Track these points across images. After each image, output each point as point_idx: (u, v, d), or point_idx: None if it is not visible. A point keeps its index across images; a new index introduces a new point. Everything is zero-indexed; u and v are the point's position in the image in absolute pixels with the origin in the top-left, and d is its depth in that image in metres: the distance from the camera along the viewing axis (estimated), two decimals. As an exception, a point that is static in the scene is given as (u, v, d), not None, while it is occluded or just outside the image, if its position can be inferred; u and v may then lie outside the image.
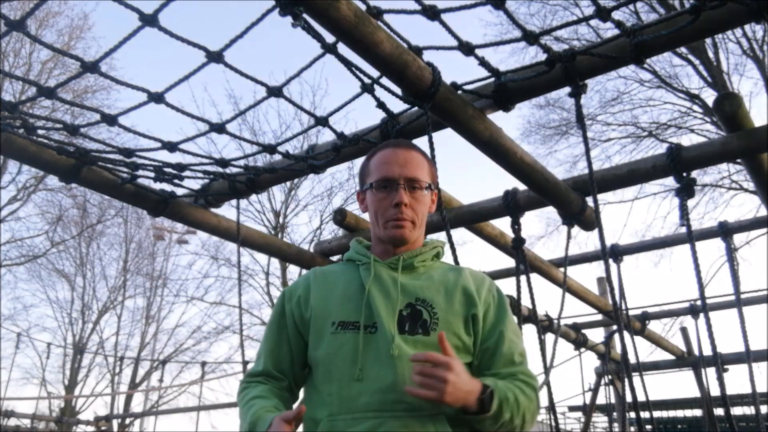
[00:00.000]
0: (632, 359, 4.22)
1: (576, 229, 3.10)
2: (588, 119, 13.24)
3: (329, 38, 1.82)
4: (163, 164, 2.56)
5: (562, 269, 3.71)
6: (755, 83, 15.17)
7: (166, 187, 2.81)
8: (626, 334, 3.45)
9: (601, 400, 6.65)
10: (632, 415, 5.84)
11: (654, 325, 6.49)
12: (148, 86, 2.00)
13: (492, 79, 2.26)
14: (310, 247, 12.04)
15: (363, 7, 1.76)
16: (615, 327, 4.84)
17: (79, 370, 19.49)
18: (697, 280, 2.59)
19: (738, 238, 10.87)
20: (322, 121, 2.37)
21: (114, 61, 15.67)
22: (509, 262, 4.73)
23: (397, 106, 2.31)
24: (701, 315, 3.43)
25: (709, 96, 12.22)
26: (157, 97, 2.02)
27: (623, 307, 3.91)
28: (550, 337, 4.65)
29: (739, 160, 2.82)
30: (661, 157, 2.65)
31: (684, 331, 6.78)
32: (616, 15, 1.92)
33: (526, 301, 3.13)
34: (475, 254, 25.88)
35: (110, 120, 2.15)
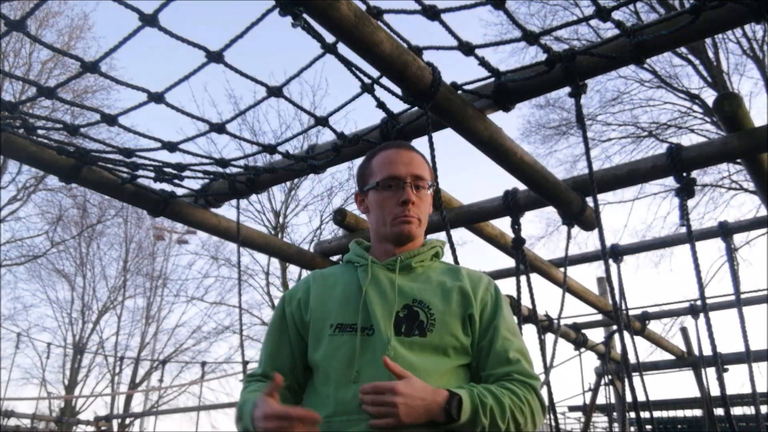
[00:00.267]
0: (632, 359, 4.23)
1: (576, 229, 3.11)
2: (588, 119, 13.24)
3: (329, 38, 1.82)
4: (163, 164, 2.56)
5: (562, 269, 3.71)
6: (755, 83, 15.23)
7: (166, 187, 2.81)
8: (626, 334, 3.45)
9: (601, 400, 6.66)
10: (632, 415, 5.83)
11: (654, 325, 6.50)
12: (147, 86, 2.01)
13: (492, 79, 2.26)
14: (310, 247, 12.04)
15: (363, 7, 1.76)
16: (615, 327, 4.84)
17: (79, 370, 19.50)
18: (697, 280, 2.60)
19: (738, 238, 10.89)
20: (322, 121, 2.37)
21: (114, 61, 15.73)
22: (509, 262, 4.75)
23: (397, 106, 2.31)
24: (701, 315, 3.42)
25: (709, 96, 12.25)
26: (157, 97, 2.02)
27: (623, 307, 3.91)
28: (550, 337, 4.66)
29: (739, 160, 2.82)
30: (661, 157, 2.66)
31: (684, 331, 6.79)
32: (616, 15, 1.92)
33: (526, 301, 3.14)
34: (475, 254, 25.89)
35: (110, 120, 2.15)
